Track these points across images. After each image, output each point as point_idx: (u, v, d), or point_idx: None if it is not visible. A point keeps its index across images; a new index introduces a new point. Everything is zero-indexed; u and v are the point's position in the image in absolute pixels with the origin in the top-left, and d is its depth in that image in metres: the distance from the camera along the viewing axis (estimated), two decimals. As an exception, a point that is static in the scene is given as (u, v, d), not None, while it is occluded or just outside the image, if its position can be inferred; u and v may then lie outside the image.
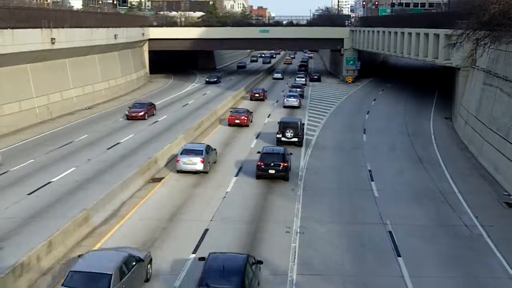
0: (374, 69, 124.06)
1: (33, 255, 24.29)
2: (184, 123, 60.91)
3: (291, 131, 51.45)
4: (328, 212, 34.46)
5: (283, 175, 39.95)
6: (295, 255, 27.59)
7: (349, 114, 70.84)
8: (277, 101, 79.42)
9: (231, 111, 65.42)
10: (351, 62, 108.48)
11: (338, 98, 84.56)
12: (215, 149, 45.53)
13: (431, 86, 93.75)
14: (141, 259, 23.96)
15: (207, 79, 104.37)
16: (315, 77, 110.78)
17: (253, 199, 36.17)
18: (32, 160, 44.81)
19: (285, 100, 74.90)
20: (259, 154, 41.74)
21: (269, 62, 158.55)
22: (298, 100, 74.47)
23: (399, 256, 27.82)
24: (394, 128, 61.96)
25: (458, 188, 39.60)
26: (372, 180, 41.25)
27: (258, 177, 40.25)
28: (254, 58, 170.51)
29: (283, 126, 52.04)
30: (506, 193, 38.00)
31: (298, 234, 30.40)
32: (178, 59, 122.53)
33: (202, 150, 41.69)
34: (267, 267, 25.88)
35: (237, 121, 60.46)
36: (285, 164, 39.89)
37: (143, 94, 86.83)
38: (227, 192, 37.65)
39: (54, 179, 39.64)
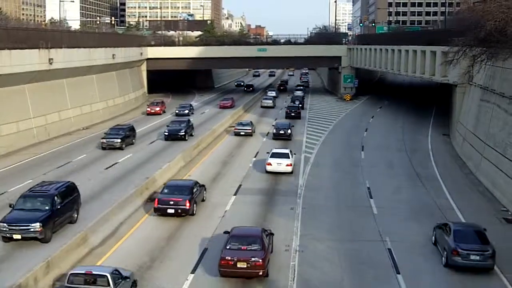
0: (372, 87, 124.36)
1: (30, 277, 24.16)
2: (183, 142, 60.80)
3: (297, 101, 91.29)
4: (327, 229, 34.41)
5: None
6: (294, 273, 27.50)
7: (347, 132, 70.90)
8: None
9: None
10: (349, 80, 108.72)
11: (336, 116, 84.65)
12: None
13: (429, 103, 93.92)
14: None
15: (176, 111, 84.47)
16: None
17: (252, 218, 36.07)
18: (30, 181, 44.50)
19: (295, 92, 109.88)
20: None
21: (252, 90, 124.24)
22: (303, 92, 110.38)
23: (399, 273, 27.76)
24: (392, 145, 61.99)
25: (456, 204, 39.57)
26: (371, 197, 41.23)
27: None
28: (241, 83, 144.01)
29: (293, 98, 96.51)
30: (504, 209, 37.96)
31: (297, 252, 30.32)
32: (176, 78, 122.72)
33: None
34: (267, 285, 25.80)
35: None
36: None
37: (142, 113, 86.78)
38: (226, 210, 37.58)
39: (52, 200, 39.50)
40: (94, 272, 23.80)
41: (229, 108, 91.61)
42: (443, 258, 29.02)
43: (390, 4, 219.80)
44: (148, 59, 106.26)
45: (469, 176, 47.62)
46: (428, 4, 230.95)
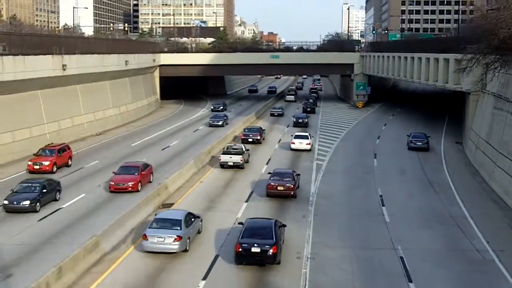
0: (385, 94, 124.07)
1: (42, 282, 24.23)
2: (195, 148, 60.93)
3: (311, 99, 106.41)
4: (339, 237, 34.31)
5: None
6: (306, 280, 27.42)
7: (359, 139, 70.74)
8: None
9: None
10: (361, 87, 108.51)
11: (349, 123, 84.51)
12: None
13: (442, 111, 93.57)
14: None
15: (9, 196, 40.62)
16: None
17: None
18: (43, 186, 44.72)
19: (310, 94, 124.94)
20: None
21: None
22: (316, 94, 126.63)
23: (411, 281, 27.60)
24: (404, 152, 61.77)
25: (469, 212, 39.36)
26: (383, 205, 41.08)
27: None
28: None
29: (307, 98, 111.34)
30: (518, 218, 37.75)
31: (309, 259, 30.24)
32: (189, 85, 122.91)
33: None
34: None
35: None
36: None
37: (155, 119, 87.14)
38: (237, 217, 37.51)
39: (64, 205, 39.70)
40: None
41: (131, 192, 42.70)
42: (407, 146, 63.21)
43: (403, 12, 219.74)
44: (161, 65, 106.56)
45: (482, 184, 47.37)
46: (441, 12, 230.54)
